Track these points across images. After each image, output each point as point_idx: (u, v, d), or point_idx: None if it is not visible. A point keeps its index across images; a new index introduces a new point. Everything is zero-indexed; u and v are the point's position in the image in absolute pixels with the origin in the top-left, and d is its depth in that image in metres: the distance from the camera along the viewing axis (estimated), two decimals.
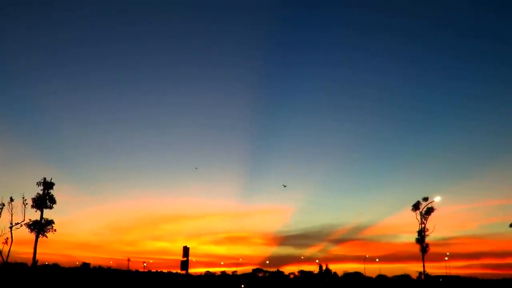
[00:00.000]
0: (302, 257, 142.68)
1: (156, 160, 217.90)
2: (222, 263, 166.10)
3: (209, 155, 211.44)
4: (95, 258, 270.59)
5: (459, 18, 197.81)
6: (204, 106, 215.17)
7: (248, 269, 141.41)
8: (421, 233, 56.34)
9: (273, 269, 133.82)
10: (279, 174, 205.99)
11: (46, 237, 44.39)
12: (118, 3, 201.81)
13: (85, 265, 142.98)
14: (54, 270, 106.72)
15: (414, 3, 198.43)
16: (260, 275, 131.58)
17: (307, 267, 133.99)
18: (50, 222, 44.57)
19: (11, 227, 44.33)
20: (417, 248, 56.73)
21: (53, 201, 44.88)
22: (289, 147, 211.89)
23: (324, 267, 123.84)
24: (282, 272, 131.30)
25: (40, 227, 44.03)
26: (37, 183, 44.85)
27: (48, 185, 45.16)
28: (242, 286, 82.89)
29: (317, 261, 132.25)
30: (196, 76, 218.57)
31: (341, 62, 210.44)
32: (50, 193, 45.03)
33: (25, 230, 44.09)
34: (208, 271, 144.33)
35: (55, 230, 44.63)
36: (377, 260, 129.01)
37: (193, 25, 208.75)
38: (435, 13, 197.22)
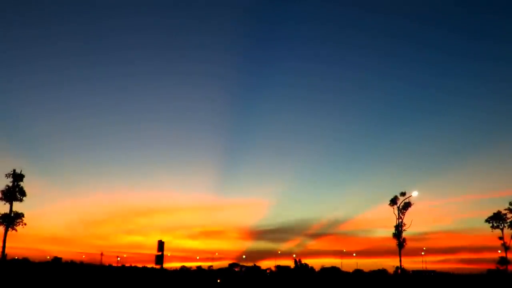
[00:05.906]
0: (279, 252, 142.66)
1: (129, 154, 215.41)
2: (197, 257, 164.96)
3: (183, 148, 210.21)
4: (67, 252, 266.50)
5: (435, 14, 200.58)
6: (178, 100, 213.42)
7: (225, 263, 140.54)
8: (398, 228, 56.41)
9: (250, 264, 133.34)
10: (254, 168, 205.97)
11: (16, 230, 43.05)
12: None
13: (57, 260, 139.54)
14: (24, 265, 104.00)
15: None
16: (236, 269, 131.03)
17: (283, 262, 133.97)
18: (20, 215, 43.12)
19: None
20: (394, 243, 56.85)
21: (23, 193, 43.43)
22: (265, 140, 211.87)
23: (300, 262, 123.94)
24: (259, 267, 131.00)
25: (9, 220, 42.49)
26: (6, 174, 43.39)
27: (18, 177, 43.58)
28: (218, 281, 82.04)
29: (294, 255, 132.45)
30: (168, 71, 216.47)
31: (315, 57, 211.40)
32: (20, 185, 43.53)
33: None
34: (183, 266, 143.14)
35: (25, 224, 43.26)
36: (354, 254, 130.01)
37: (163, 20, 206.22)
38: (411, 8, 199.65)
